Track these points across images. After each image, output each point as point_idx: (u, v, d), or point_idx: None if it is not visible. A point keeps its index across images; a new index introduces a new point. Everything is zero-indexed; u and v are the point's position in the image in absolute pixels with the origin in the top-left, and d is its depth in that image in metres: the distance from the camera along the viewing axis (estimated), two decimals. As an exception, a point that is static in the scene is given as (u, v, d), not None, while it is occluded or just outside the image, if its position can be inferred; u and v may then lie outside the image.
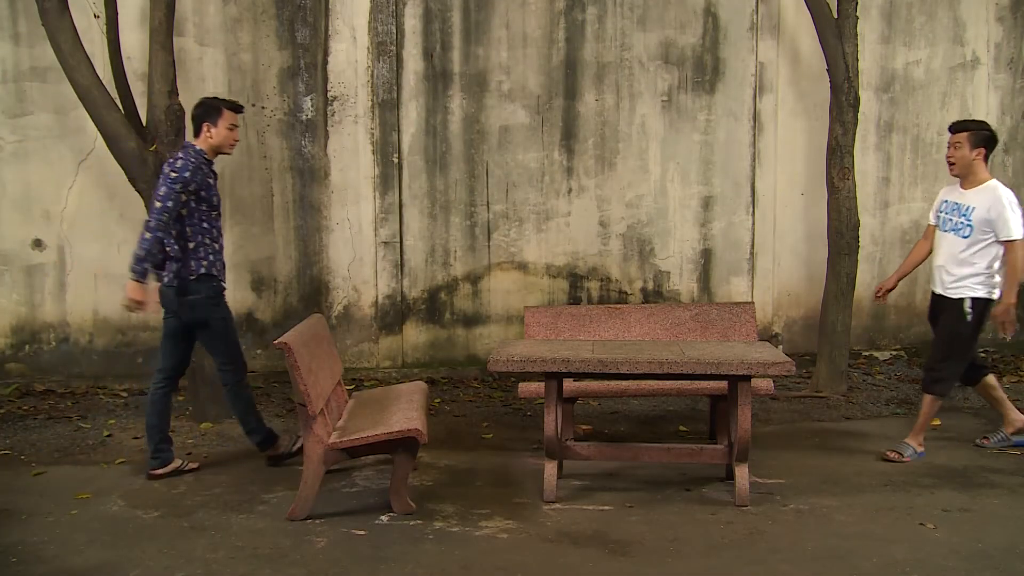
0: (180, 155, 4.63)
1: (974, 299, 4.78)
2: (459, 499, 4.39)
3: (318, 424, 4.13)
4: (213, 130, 4.68)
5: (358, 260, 6.69)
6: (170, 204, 4.48)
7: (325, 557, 3.75)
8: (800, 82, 6.87)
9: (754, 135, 6.86)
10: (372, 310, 6.74)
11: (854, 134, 6.21)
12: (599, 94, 6.77)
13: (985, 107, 7.04)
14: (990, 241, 4.71)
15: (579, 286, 6.87)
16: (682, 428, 5.67)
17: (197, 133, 4.72)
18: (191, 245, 4.62)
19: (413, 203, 6.70)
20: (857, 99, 6.15)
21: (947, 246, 4.86)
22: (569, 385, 4.96)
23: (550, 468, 4.38)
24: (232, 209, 6.57)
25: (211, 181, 4.68)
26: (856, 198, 6.26)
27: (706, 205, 6.89)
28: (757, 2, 6.79)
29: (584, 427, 5.64)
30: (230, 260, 6.56)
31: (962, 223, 4.77)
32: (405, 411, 4.31)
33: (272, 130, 6.55)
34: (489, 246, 6.78)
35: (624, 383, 5.06)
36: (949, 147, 4.89)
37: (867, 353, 7.07)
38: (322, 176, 6.63)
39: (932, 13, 6.93)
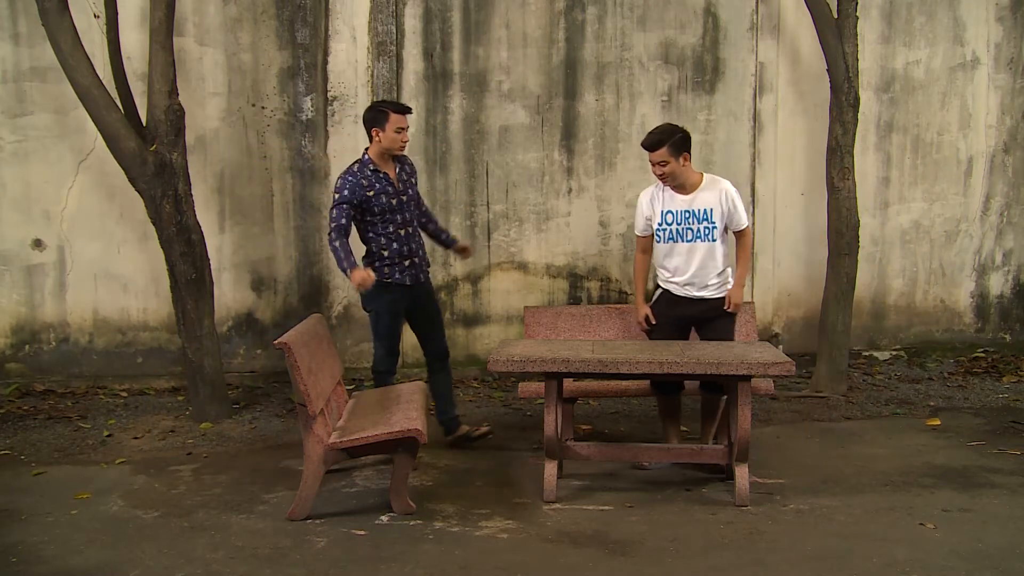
0: (343, 174, 4.90)
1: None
2: (459, 499, 4.39)
3: (318, 424, 4.12)
4: (381, 134, 4.87)
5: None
6: (343, 221, 4.79)
7: (325, 557, 3.75)
8: (800, 82, 6.87)
9: (754, 135, 6.86)
10: (372, 310, 6.73)
11: (854, 134, 6.21)
12: (599, 94, 6.77)
13: (985, 107, 7.03)
14: (725, 235, 4.73)
15: (579, 286, 6.87)
16: (682, 428, 5.66)
17: (369, 138, 4.94)
18: (364, 251, 4.97)
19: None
20: (857, 99, 6.15)
21: (697, 255, 4.70)
22: (569, 385, 4.95)
23: (550, 468, 4.38)
24: (232, 209, 6.57)
25: (370, 194, 4.83)
26: (856, 198, 6.26)
27: (706, 205, 6.88)
28: (757, 2, 6.79)
29: (584, 427, 5.64)
30: (229, 260, 6.58)
31: (707, 228, 4.65)
32: (405, 411, 4.31)
33: (272, 130, 6.55)
34: (489, 246, 6.78)
35: (624, 383, 5.06)
36: (654, 165, 4.65)
37: (867, 353, 7.07)
38: (322, 176, 6.63)
39: (932, 13, 6.93)
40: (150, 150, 5.46)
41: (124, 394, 6.38)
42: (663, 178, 4.68)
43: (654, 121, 6.79)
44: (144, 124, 5.57)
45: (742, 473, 4.30)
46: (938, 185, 7.06)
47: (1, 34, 6.30)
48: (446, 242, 5.35)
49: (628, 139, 6.80)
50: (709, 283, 4.77)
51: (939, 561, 3.65)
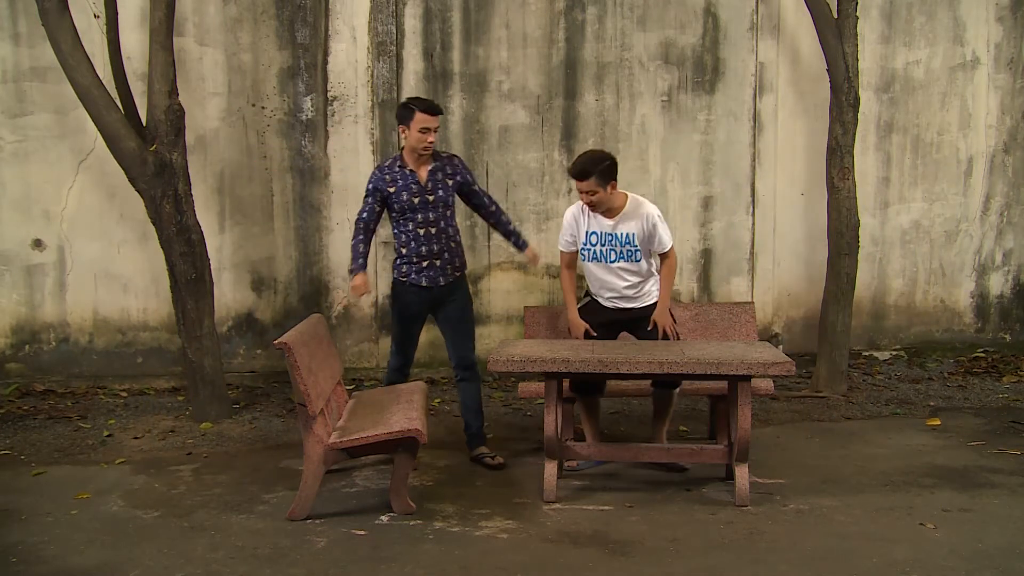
0: (375, 167, 5.00)
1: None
2: (459, 499, 4.39)
3: (318, 424, 4.12)
4: (407, 132, 4.77)
5: (358, 260, 6.68)
6: (364, 215, 4.86)
7: (325, 557, 3.75)
8: (800, 82, 6.87)
9: (754, 135, 6.86)
10: (372, 310, 6.74)
11: (854, 134, 6.21)
12: (599, 94, 6.77)
13: (985, 107, 7.03)
14: (651, 253, 4.81)
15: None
16: (682, 428, 5.67)
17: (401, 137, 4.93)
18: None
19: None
20: (857, 99, 6.15)
21: (621, 274, 4.79)
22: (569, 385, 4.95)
23: (550, 468, 4.38)
24: (232, 209, 6.57)
25: (391, 190, 4.80)
26: (856, 198, 6.26)
27: (706, 205, 6.89)
28: (757, 2, 6.79)
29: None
30: (229, 260, 6.58)
31: (629, 251, 4.73)
32: (405, 411, 4.31)
33: (272, 130, 6.56)
34: (489, 246, 6.78)
35: (624, 383, 5.06)
36: (582, 193, 4.65)
37: (867, 353, 7.07)
38: (322, 176, 6.63)
39: (932, 13, 6.93)
40: (150, 150, 5.46)
41: (124, 394, 6.38)
42: (591, 205, 4.69)
43: (654, 121, 6.80)
44: (144, 124, 5.57)
45: (742, 473, 4.30)
46: (938, 185, 7.06)
47: (1, 34, 6.30)
48: (517, 244, 5.15)
49: (628, 139, 6.80)
50: (634, 297, 4.85)
51: (939, 561, 3.65)
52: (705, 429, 5.56)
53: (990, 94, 7.04)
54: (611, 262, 4.76)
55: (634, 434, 5.55)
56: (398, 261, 4.94)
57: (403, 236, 4.89)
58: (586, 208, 4.74)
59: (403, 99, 6.52)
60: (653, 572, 3.61)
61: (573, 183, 6.72)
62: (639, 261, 4.76)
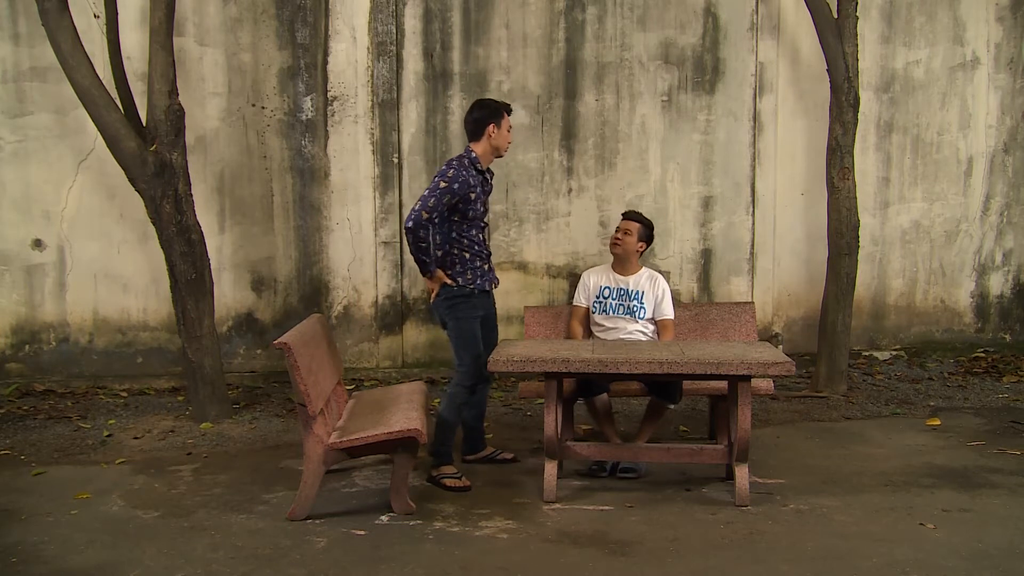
0: (454, 164, 4.58)
1: None
2: (459, 499, 4.39)
3: (318, 424, 4.12)
4: (496, 132, 4.63)
5: (358, 260, 6.69)
6: (436, 219, 4.48)
7: (325, 557, 3.74)
8: (800, 82, 6.87)
9: (754, 135, 6.86)
10: (372, 310, 6.74)
11: (854, 134, 6.21)
12: (599, 94, 6.77)
13: (985, 107, 7.04)
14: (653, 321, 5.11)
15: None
16: (682, 428, 5.67)
17: (479, 136, 4.65)
18: (439, 253, 4.62)
19: (413, 203, 6.70)
20: (857, 99, 6.15)
21: (627, 327, 5.05)
22: (569, 385, 4.95)
23: (550, 468, 4.38)
24: (232, 209, 6.57)
25: (472, 195, 4.56)
26: (856, 198, 6.27)
27: (706, 205, 6.89)
28: (757, 2, 6.79)
29: (584, 427, 5.64)
30: (229, 260, 6.58)
31: (636, 306, 5.07)
32: (405, 411, 4.31)
33: (272, 130, 6.56)
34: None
35: (624, 383, 5.06)
36: (618, 230, 5.11)
37: (867, 353, 7.07)
38: (322, 176, 6.63)
39: (932, 13, 6.93)
40: (150, 150, 5.46)
41: (124, 394, 6.38)
42: (617, 243, 5.09)
43: (654, 121, 6.80)
44: (144, 124, 5.56)
45: (742, 473, 4.30)
46: (938, 185, 7.06)
47: (1, 34, 6.30)
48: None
49: (628, 139, 6.80)
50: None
51: (939, 561, 3.65)
52: (705, 429, 5.56)
53: (990, 94, 7.04)
54: (619, 315, 5.07)
55: (634, 434, 5.53)
56: (460, 268, 4.63)
57: (464, 241, 4.64)
58: (602, 274, 5.17)
59: (401, 99, 6.57)
60: (653, 572, 3.61)
61: (575, 183, 6.79)
62: (643, 318, 5.05)
